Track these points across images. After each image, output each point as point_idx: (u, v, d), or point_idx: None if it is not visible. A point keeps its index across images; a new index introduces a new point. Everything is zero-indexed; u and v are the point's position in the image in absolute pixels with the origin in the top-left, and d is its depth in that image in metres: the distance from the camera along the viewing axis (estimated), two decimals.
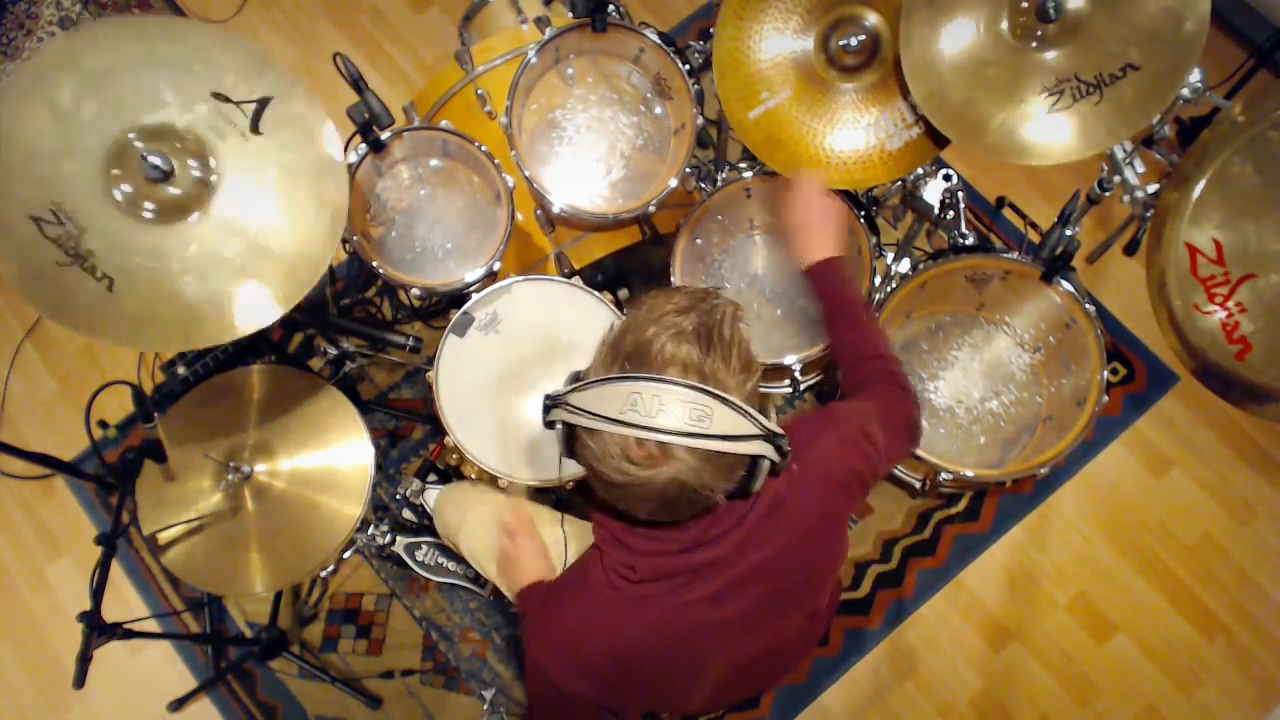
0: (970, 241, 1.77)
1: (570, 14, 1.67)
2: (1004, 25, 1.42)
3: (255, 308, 1.27)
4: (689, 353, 0.90)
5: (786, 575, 1.07)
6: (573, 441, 0.96)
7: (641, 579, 1.01)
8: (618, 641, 1.03)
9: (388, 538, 1.96)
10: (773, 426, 0.92)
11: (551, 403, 0.97)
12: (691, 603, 1.02)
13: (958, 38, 1.44)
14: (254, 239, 1.29)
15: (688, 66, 1.69)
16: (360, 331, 1.88)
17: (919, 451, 1.58)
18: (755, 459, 0.92)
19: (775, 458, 0.93)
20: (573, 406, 0.93)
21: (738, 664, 1.15)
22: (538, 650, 1.06)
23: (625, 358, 0.92)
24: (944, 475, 1.62)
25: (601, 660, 1.03)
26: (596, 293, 1.62)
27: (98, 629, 1.34)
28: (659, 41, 1.68)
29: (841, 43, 1.54)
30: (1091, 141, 1.38)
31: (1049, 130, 1.40)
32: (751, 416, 0.90)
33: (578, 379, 0.97)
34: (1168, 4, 1.30)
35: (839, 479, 1.11)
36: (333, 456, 1.61)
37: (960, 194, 1.78)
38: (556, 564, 1.46)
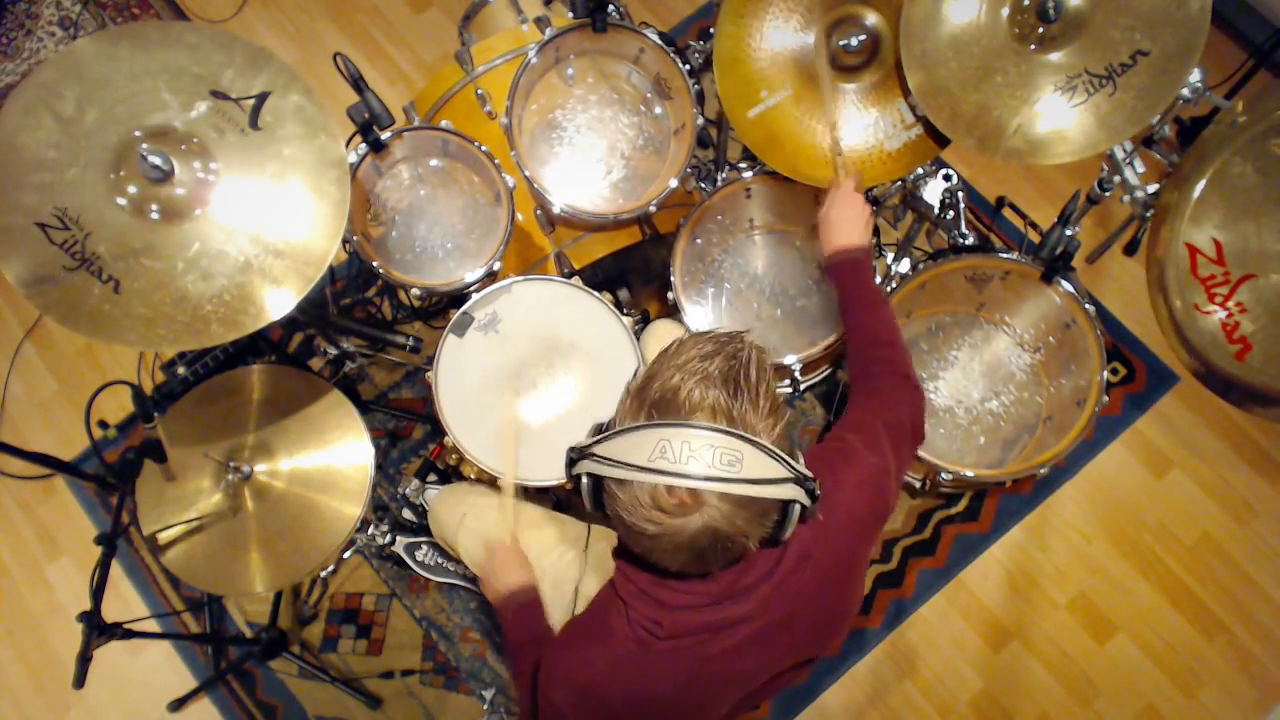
0: (970, 241, 1.77)
1: (570, 14, 1.67)
2: (1006, 28, 1.42)
3: (259, 305, 1.28)
4: (716, 398, 0.89)
5: (809, 626, 1.06)
6: (599, 494, 0.93)
7: (668, 635, 0.99)
8: (637, 692, 1.02)
9: (388, 538, 1.96)
10: (803, 469, 0.91)
11: (577, 455, 0.94)
12: (714, 655, 1.00)
13: (960, 43, 1.44)
14: (256, 235, 1.29)
15: (688, 66, 1.69)
16: (360, 331, 1.88)
17: (919, 451, 1.58)
18: (787, 504, 0.91)
19: (806, 502, 0.91)
20: (599, 456, 0.90)
21: (744, 696, 1.15)
22: (556, 693, 1.05)
23: (652, 405, 0.90)
24: (944, 475, 1.62)
25: (620, 709, 1.02)
26: (596, 293, 1.63)
27: (98, 629, 1.34)
28: (659, 41, 1.68)
29: (842, 43, 1.54)
30: (1112, 131, 1.37)
31: (1067, 127, 1.39)
32: (782, 459, 0.89)
33: (601, 430, 0.94)
34: None
35: (861, 524, 1.10)
36: (333, 456, 1.61)
37: (960, 194, 1.78)
38: (566, 578, 1.46)
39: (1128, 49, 1.34)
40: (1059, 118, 1.39)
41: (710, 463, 0.85)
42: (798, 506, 0.91)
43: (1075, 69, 1.38)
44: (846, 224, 1.44)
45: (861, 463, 1.14)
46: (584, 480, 0.93)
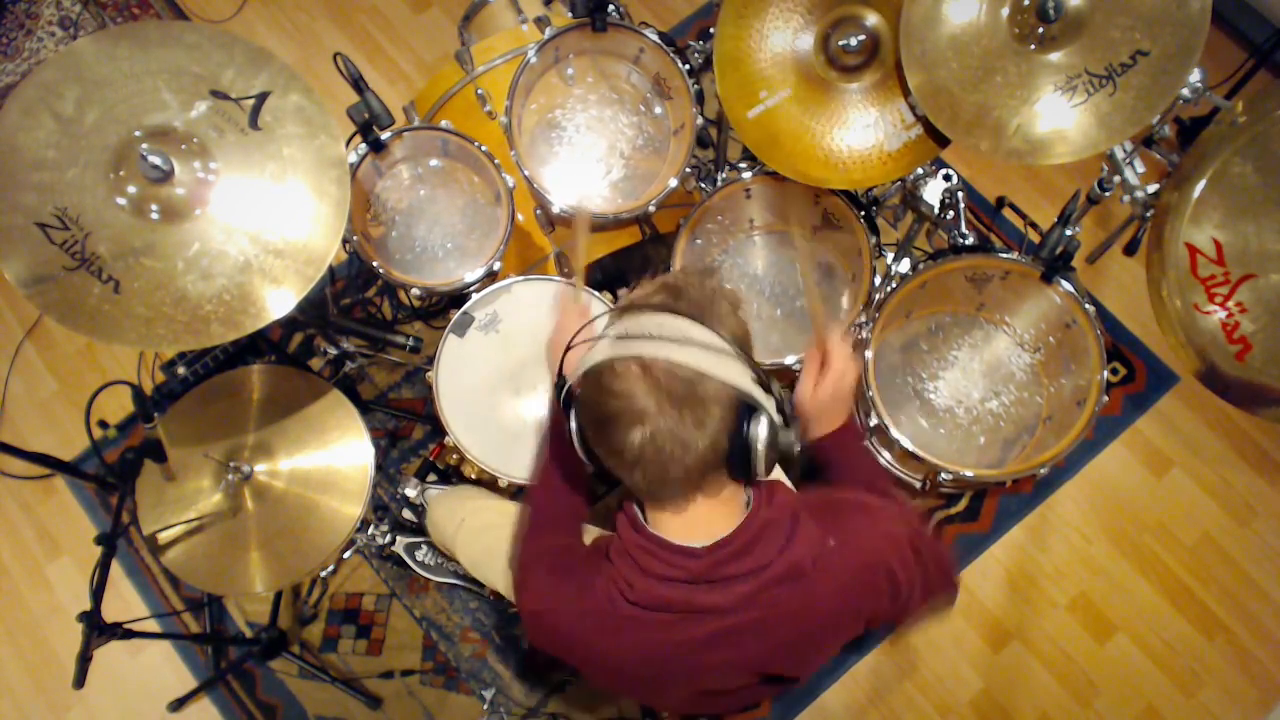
0: (970, 241, 1.77)
1: (570, 14, 1.67)
2: (1006, 28, 1.42)
3: (259, 305, 1.28)
4: (664, 300, 0.96)
5: (781, 646, 1.03)
6: (572, 410, 1.00)
7: (635, 601, 0.99)
8: (594, 648, 1.05)
9: (388, 538, 1.96)
10: (762, 372, 0.95)
11: (561, 382, 1.04)
12: (680, 641, 1.00)
13: (960, 43, 1.44)
14: (256, 235, 1.29)
15: (688, 66, 1.69)
16: (360, 331, 1.88)
17: (918, 451, 1.58)
18: (750, 408, 0.92)
19: (772, 411, 0.93)
20: (574, 377, 0.99)
21: (702, 697, 1.15)
22: (525, 606, 1.12)
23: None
24: (944, 475, 1.62)
25: (576, 652, 1.07)
26: (596, 293, 1.62)
27: (98, 629, 1.34)
28: (659, 41, 1.68)
29: (841, 43, 1.54)
30: (1112, 131, 1.37)
31: (1067, 127, 1.39)
32: (733, 344, 0.93)
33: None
34: None
35: (872, 570, 1.03)
36: (333, 456, 1.61)
37: (960, 194, 1.77)
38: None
39: (1128, 49, 1.34)
40: (1059, 118, 1.39)
41: (656, 331, 0.91)
42: (764, 417, 0.93)
43: (1075, 69, 1.38)
44: (833, 413, 1.24)
45: (892, 520, 1.08)
46: (571, 422, 1.00)
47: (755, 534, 0.97)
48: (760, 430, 0.93)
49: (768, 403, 0.93)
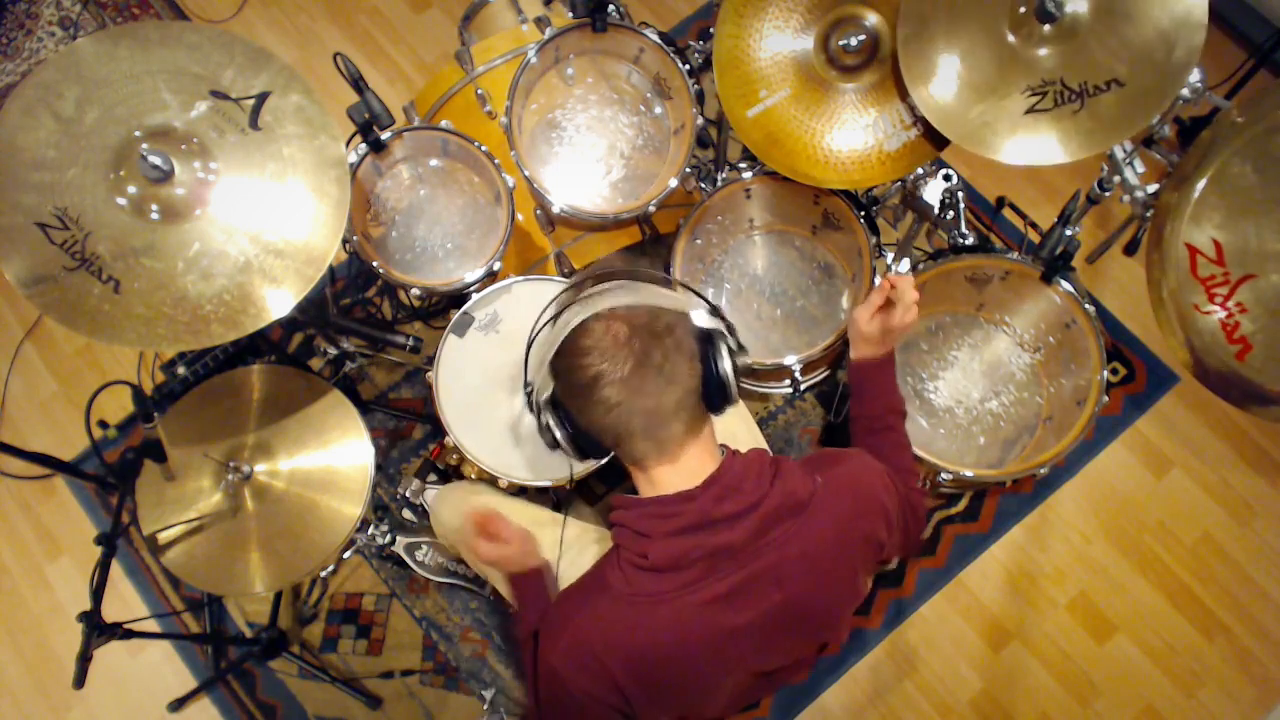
0: (970, 241, 1.76)
1: (570, 14, 1.67)
2: (1005, 27, 1.42)
3: (259, 305, 1.28)
4: (595, 277, 1.08)
5: (802, 590, 1.06)
6: (559, 412, 1.07)
7: (654, 566, 1.01)
8: (632, 643, 1.03)
9: (388, 538, 1.96)
10: (711, 302, 1.09)
11: (531, 390, 1.12)
12: (706, 603, 1.01)
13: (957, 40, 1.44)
14: (256, 235, 1.29)
15: (688, 66, 1.69)
16: (360, 331, 1.88)
17: (918, 451, 1.58)
18: (707, 336, 1.04)
19: (728, 335, 1.07)
20: (543, 381, 1.07)
21: (749, 681, 1.15)
22: (551, 654, 1.06)
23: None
24: (944, 475, 1.62)
25: (616, 664, 1.03)
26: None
27: (98, 629, 1.34)
28: (659, 41, 1.68)
29: (841, 43, 1.54)
30: (1065, 149, 1.39)
31: (1025, 130, 1.40)
32: (675, 283, 1.08)
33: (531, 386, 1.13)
34: (1163, 27, 1.31)
35: (865, 498, 1.12)
36: (333, 456, 1.61)
37: (960, 194, 1.77)
38: (567, 577, 1.46)
39: (1106, 74, 1.35)
40: (1027, 122, 1.40)
41: (600, 291, 1.02)
42: (723, 343, 1.04)
43: (1051, 75, 1.38)
44: (878, 344, 1.37)
45: (875, 462, 1.19)
46: (559, 431, 1.07)
47: (739, 473, 1.03)
48: (723, 353, 1.04)
49: (722, 328, 1.05)
